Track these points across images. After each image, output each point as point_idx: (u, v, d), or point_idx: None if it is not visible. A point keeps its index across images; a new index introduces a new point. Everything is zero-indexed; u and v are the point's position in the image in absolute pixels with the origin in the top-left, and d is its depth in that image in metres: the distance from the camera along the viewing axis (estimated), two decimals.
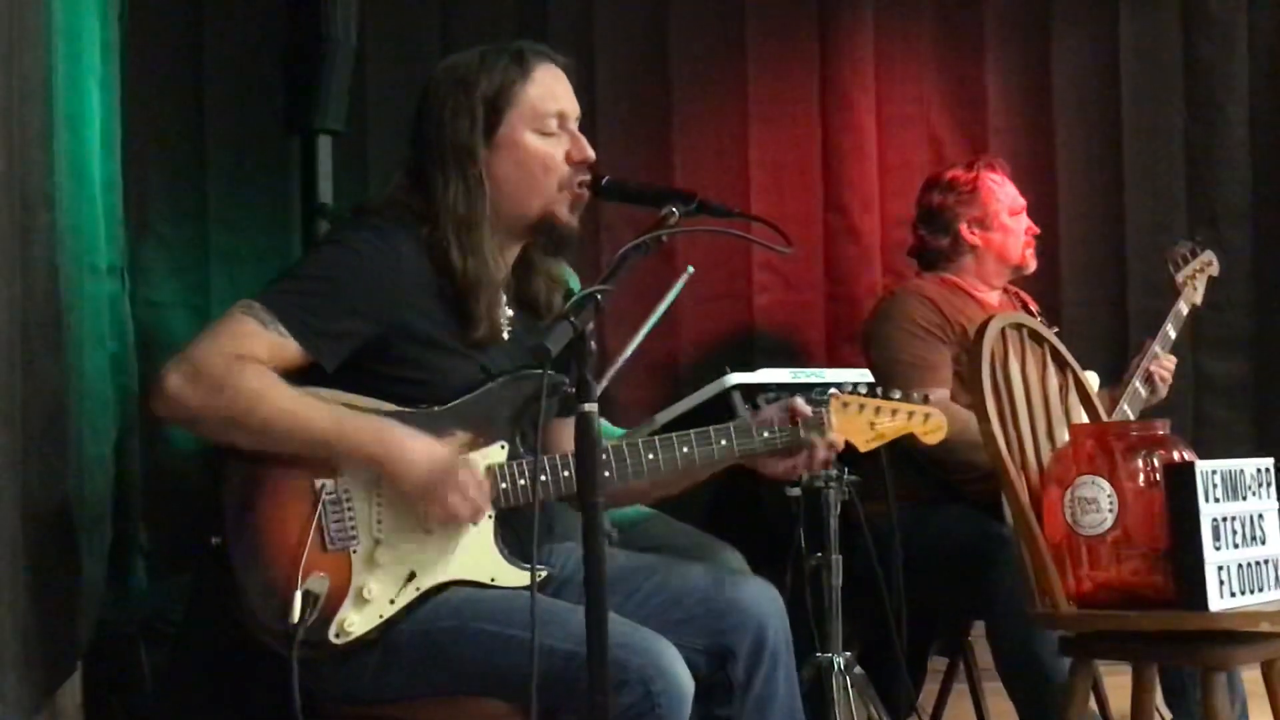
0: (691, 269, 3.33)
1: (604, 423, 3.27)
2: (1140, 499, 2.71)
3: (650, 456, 2.47)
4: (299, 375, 2.37)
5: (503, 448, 2.43)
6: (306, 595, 2.30)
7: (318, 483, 2.35)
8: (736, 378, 3.67)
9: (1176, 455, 2.74)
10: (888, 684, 3.42)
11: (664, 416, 3.66)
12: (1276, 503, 2.82)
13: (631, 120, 4.25)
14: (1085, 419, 3.10)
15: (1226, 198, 4.72)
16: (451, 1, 4.14)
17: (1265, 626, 2.74)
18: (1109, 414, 3.45)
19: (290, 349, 2.35)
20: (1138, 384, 3.75)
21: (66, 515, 2.59)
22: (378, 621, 2.35)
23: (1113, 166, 4.66)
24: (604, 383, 3.16)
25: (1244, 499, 2.74)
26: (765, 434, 2.54)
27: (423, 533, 2.37)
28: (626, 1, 4.33)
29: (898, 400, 2.64)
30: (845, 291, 4.46)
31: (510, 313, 2.54)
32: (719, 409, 3.59)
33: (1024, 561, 2.84)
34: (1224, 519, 2.68)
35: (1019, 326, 3.06)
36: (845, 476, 3.22)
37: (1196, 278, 3.97)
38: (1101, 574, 2.74)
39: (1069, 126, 4.62)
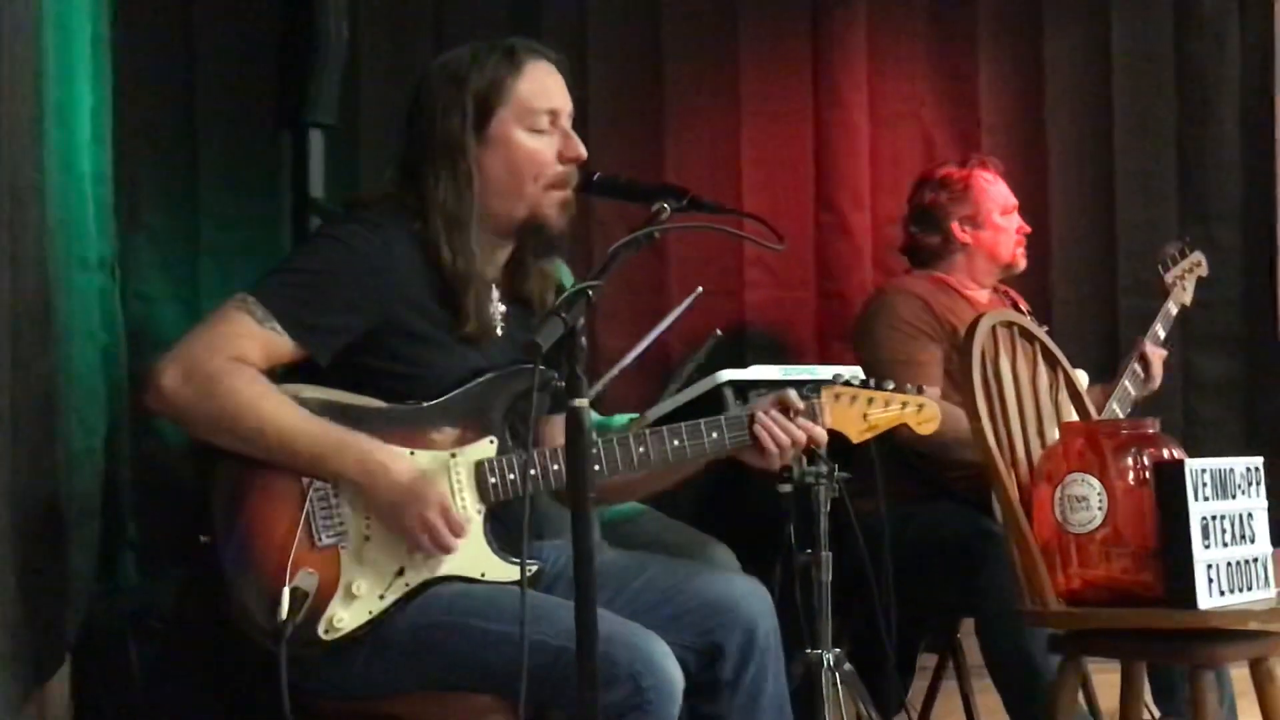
0: (700, 289, 3.35)
1: (605, 416, 3.30)
2: (1130, 497, 2.72)
3: (641, 450, 2.47)
4: (292, 369, 2.37)
5: (491, 442, 2.43)
6: (295, 591, 2.30)
7: (306, 480, 2.34)
8: (728, 374, 3.67)
9: (1166, 453, 2.75)
10: (877, 681, 3.41)
11: (655, 412, 3.65)
12: (1265, 501, 2.83)
13: (624, 117, 4.23)
14: (1075, 417, 3.10)
15: (1217, 197, 4.71)
16: None
17: (1254, 625, 2.74)
18: (1099, 412, 3.46)
19: (284, 344, 2.35)
20: (1127, 383, 3.76)
21: (55, 508, 2.58)
22: (367, 617, 2.35)
23: (1104, 165, 4.65)
24: (599, 387, 3.16)
25: (1233, 498, 2.74)
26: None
27: None
28: None
29: (890, 391, 2.64)
30: (837, 288, 4.45)
31: (504, 309, 2.54)
32: (711, 406, 3.58)
33: (1014, 559, 2.84)
34: (1213, 517, 2.68)
35: (1009, 324, 3.06)
36: (836, 473, 3.22)
37: (1185, 278, 3.98)
38: (1091, 572, 2.74)
39: (1061, 125, 4.61)
